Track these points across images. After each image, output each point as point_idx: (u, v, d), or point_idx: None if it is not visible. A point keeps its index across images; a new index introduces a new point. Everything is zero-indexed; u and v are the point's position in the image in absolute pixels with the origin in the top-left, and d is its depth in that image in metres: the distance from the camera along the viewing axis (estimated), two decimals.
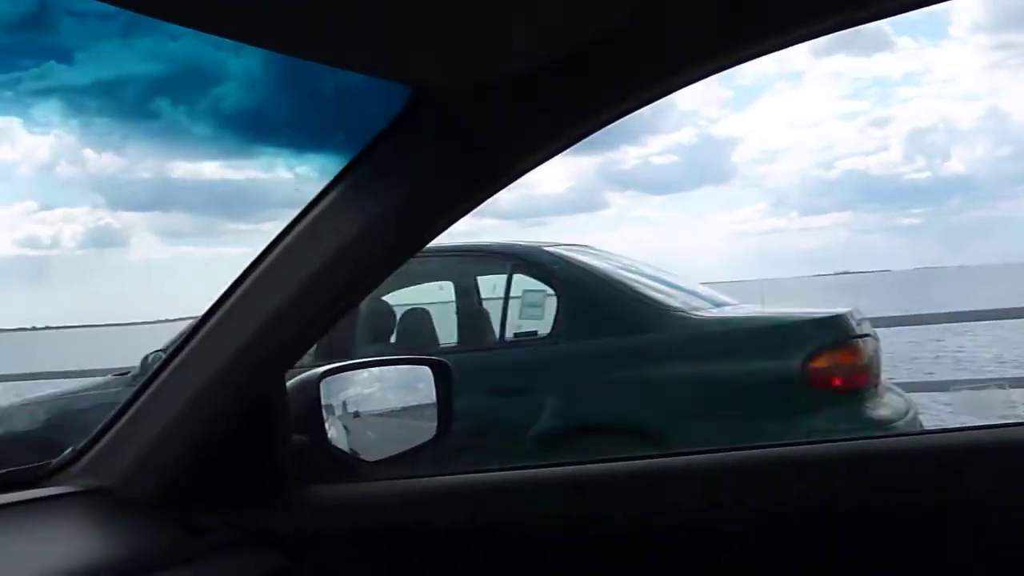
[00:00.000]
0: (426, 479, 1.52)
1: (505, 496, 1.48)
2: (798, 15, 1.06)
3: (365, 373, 1.74)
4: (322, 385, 1.46)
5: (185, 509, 1.35)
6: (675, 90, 1.15)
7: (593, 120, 1.18)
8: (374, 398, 1.76)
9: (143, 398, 1.35)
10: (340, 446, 1.51)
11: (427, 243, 1.27)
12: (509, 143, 1.21)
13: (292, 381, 1.42)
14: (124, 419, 1.36)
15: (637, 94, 1.17)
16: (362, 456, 1.55)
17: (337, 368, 1.54)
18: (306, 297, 1.26)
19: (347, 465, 1.52)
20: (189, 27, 0.98)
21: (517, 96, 1.16)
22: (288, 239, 1.26)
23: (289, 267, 1.26)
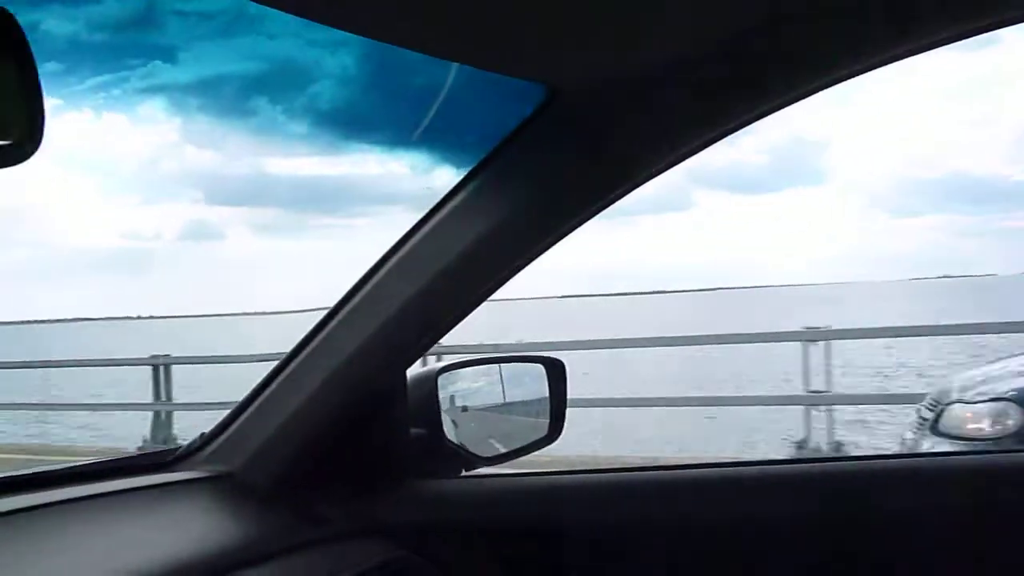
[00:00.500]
0: (541, 477, 1.53)
1: (618, 497, 1.47)
2: (950, 14, 1.03)
3: (479, 369, 1.75)
4: (439, 380, 1.48)
5: (305, 497, 1.38)
6: (815, 92, 1.12)
7: (730, 122, 1.17)
8: (482, 393, 1.77)
9: (271, 388, 1.38)
10: (454, 440, 1.53)
11: (556, 243, 1.27)
12: (643, 142, 1.21)
13: (411, 376, 1.45)
14: (251, 408, 1.40)
15: (771, 97, 1.15)
16: (476, 452, 1.57)
17: (455, 364, 1.55)
18: (433, 294, 1.28)
19: (462, 460, 1.53)
20: (325, 24, 0.99)
21: (652, 95, 1.16)
22: (418, 236, 1.28)
23: (418, 263, 1.28)
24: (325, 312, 1.36)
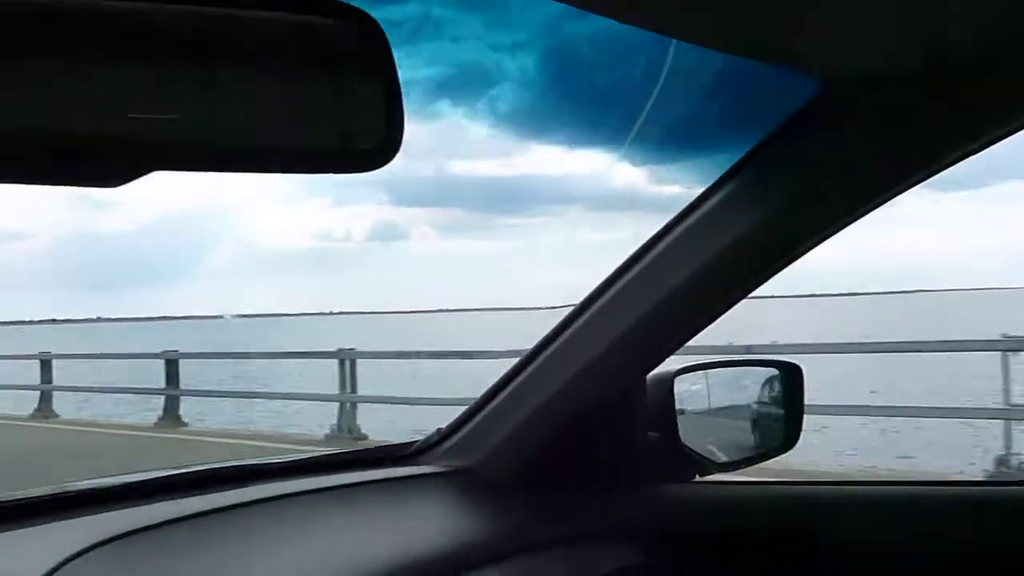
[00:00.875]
0: (778, 486, 1.48)
1: (860, 510, 1.40)
2: None
3: (712, 373, 1.69)
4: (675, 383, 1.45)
5: (543, 497, 1.38)
6: None
7: (1014, 121, 1.06)
8: (700, 397, 1.72)
9: (512, 385, 1.39)
10: (689, 444, 1.49)
11: (814, 247, 1.20)
12: (923, 142, 1.12)
13: (648, 377, 1.42)
14: (492, 404, 1.41)
15: None
16: (710, 457, 1.52)
17: (691, 367, 1.51)
18: (684, 296, 1.24)
19: (696, 465, 1.49)
20: (591, 10, 0.97)
21: (937, 89, 1.07)
22: (672, 235, 1.25)
23: (670, 264, 1.25)
24: (568, 309, 1.36)
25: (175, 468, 1.28)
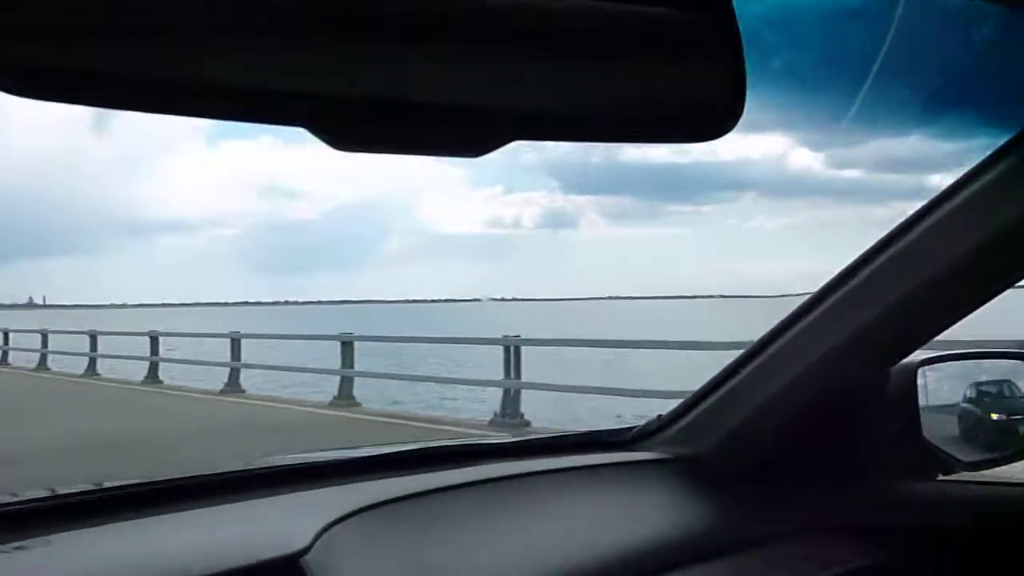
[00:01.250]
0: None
1: None
2: None
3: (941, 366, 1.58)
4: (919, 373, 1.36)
5: (773, 488, 1.34)
6: None
7: None
8: (922, 390, 1.61)
9: (743, 373, 1.35)
10: (930, 439, 1.39)
11: None
12: None
13: (892, 368, 1.34)
14: (718, 393, 1.37)
15: None
16: (955, 454, 1.42)
17: (937, 357, 1.41)
18: (938, 285, 1.15)
19: (938, 462, 1.39)
20: None
21: None
22: (928, 221, 1.16)
23: (926, 250, 1.16)
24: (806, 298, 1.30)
25: (410, 444, 1.33)
